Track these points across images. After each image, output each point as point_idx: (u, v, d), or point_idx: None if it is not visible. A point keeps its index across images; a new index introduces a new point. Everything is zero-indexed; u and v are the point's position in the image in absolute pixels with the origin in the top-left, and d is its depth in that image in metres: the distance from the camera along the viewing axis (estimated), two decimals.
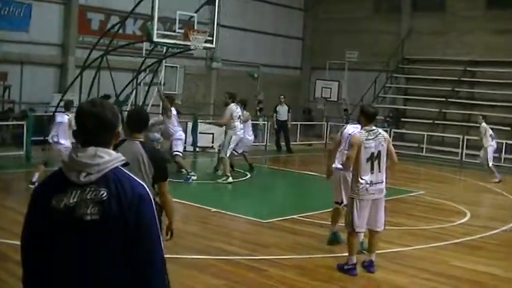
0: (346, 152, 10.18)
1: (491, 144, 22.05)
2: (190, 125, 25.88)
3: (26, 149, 21.46)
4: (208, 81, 33.87)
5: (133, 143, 6.85)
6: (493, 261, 11.06)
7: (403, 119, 34.03)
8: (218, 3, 22.48)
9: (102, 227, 3.45)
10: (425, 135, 30.11)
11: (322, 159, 20.67)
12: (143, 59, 24.76)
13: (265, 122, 29.49)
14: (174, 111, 19.01)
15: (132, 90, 25.18)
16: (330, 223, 11.72)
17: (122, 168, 3.63)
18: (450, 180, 22.91)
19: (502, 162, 26.47)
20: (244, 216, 13.87)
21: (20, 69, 26.63)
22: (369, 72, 34.90)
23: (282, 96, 28.08)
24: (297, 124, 31.76)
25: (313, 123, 35.72)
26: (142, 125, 7.21)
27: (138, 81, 25.40)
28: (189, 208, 14.50)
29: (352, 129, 10.49)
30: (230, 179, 18.39)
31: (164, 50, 24.34)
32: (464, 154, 28.05)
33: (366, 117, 9.75)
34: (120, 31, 26.18)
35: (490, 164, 21.97)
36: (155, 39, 20.04)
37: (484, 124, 22.25)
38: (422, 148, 29.86)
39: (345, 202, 10.73)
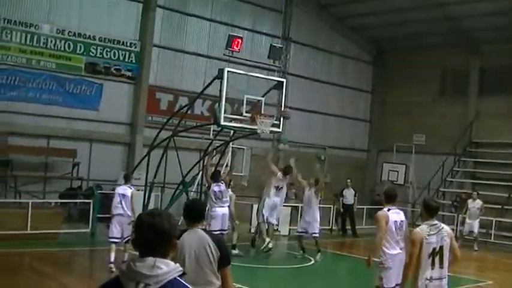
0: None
1: None
2: (255, 207, 25.84)
3: (91, 226, 21.71)
4: (274, 162, 33.81)
5: (196, 231, 7.05)
6: None
7: None
8: (286, 87, 22.60)
9: None
10: (494, 221, 29.54)
11: None
12: (211, 140, 25.01)
13: (331, 206, 29.32)
14: (215, 187, 19.35)
15: (199, 172, 25.34)
16: None
17: (180, 279, 3.66)
18: None
19: None
20: None
21: (89, 147, 27.15)
22: (435, 156, 34.68)
23: (349, 180, 27.96)
24: (363, 208, 31.45)
25: (380, 207, 35.20)
26: (197, 216, 7.32)
27: (205, 163, 25.55)
28: None
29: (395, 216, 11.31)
30: (270, 245, 19.60)
31: (231, 132, 24.55)
32: None
33: (428, 211, 9.58)
34: (189, 112, 26.52)
35: None
36: (222, 122, 20.21)
37: None
38: (491, 234, 29.26)
39: None
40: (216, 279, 6.92)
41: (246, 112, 21.51)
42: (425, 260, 9.26)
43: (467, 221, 26.61)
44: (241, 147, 28.39)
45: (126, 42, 28.22)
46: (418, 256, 9.28)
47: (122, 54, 28.14)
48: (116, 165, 27.79)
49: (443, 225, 9.59)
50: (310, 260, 20.16)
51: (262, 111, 21.65)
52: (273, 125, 21.26)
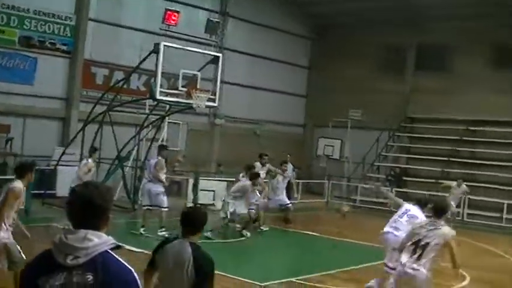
0: None
1: None
2: (191, 181, 25.85)
3: (25, 203, 21.42)
4: (211, 137, 33.89)
5: (183, 242, 6.47)
6: None
7: (405, 178, 33.96)
8: (222, 62, 22.60)
9: None
10: (427, 194, 30.01)
11: (323, 219, 20.66)
12: (146, 114, 24.88)
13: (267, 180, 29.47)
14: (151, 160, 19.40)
15: (134, 146, 25.24)
16: None
17: (111, 252, 3.62)
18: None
19: (503, 222, 26.41)
20: (242, 279, 13.73)
21: (23, 122, 26.73)
22: (371, 131, 34.96)
23: (288, 155, 27.99)
24: (299, 182, 31.69)
25: (315, 182, 35.51)
26: (197, 227, 6.69)
27: (141, 137, 25.47)
28: None
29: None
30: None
31: (167, 107, 24.45)
32: (465, 214, 28.01)
33: (434, 211, 10.23)
34: (125, 86, 26.33)
35: None
36: (158, 97, 20.15)
37: None
38: None
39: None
40: None
41: (182, 87, 21.50)
42: (407, 245, 9.92)
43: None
44: (177, 122, 28.30)
45: (62, 16, 27.75)
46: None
47: (57, 28, 27.66)
48: (51, 141, 27.39)
49: (443, 228, 9.89)
50: (247, 234, 20.28)
51: (198, 86, 21.66)
52: (209, 100, 21.26)
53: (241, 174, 20.37)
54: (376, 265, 16.54)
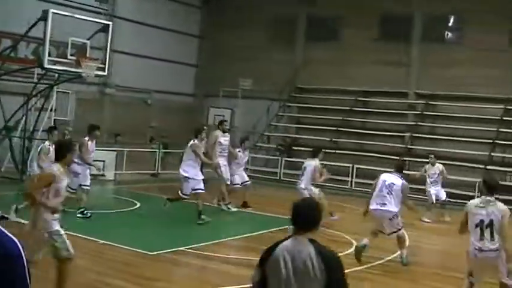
0: None
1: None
2: None
3: None
4: (101, 107, 33.47)
5: (300, 240, 5.43)
6: None
7: (294, 148, 34.41)
8: (112, 30, 22.38)
9: None
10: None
11: (216, 188, 20.83)
12: (34, 83, 24.41)
13: (156, 150, 29.52)
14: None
15: (23, 116, 24.76)
16: None
17: None
18: (340, 209, 22.78)
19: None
20: (133, 248, 13.75)
21: None
22: (262, 101, 35.17)
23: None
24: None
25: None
26: (314, 222, 5.61)
27: (29, 107, 24.99)
28: (77, 240, 14.28)
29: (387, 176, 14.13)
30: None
31: (56, 76, 24.06)
32: (354, 182, 28.68)
33: (486, 187, 10.01)
34: (12, 54, 25.73)
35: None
36: (46, 65, 19.81)
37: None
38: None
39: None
40: None
41: (71, 55, 21.20)
42: (473, 229, 9.76)
43: (431, 190, 22.43)
44: (67, 91, 27.84)
45: None
46: (465, 225, 9.89)
47: None
48: None
49: (498, 203, 9.83)
50: (136, 204, 20.30)
51: (88, 55, 21.42)
52: (99, 69, 21.05)
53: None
54: (267, 233, 16.94)
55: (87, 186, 17.80)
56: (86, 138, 17.99)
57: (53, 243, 9.38)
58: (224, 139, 20.78)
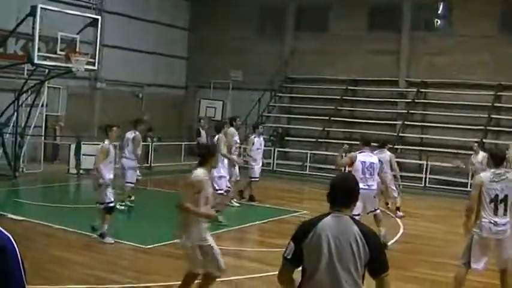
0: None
1: None
2: (73, 146, 25.60)
3: None
4: (92, 101, 33.40)
5: (342, 218, 5.22)
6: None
7: (287, 138, 34.46)
8: (101, 25, 22.35)
9: None
10: (309, 154, 30.65)
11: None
12: (25, 79, 24.37)
13: (149, 143, 29.50)
14: None
15: (14, 112, 24.72)
16: None
17: None
18: None
19: None
20: (126, 242, 13.78)
21: None
22: (253, 92, 35.15)
23: None
24: (181, 144, 31.81)
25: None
26: (353, 198, 5.43)
27: (20, 103, 24.95)
28: (71, 234, 14.34)
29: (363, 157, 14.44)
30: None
31: (46, 71, 24.03)
32: (347, 171, 28.64)
33: (493, 160, 9.99)
34: (1, 50, 25.67)
35: None
36: (36, 61, 19.78)
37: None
38: (306, 166, 30.36)
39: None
40: None
41: (61, 50, 21.18)
42: (487, 204, 9.67)
43: None
44: (58, 86, 27.81)
45: None
46: (479, 199, 9.73)
47: None
48: None
49: (508, 174, 9.80)
50: (130, 197, 20.28)
51: (78, 49, 21.40)
52: (88, 63, 21.03)
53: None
54: (262, 224, 17.02)
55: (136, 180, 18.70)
56: (136, 133, 18.55)
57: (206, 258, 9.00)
58: (237, 137, 20.37)
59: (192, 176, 8.91)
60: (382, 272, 5.18)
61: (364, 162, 14.36)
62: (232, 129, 19.70)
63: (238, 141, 20.22)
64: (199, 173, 8.96)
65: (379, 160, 16.16)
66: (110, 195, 13.91)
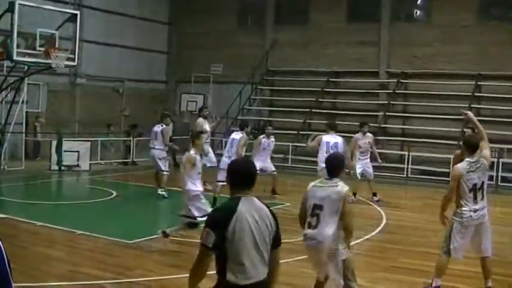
0: None
1: None
2: (54, 143, 25.50)
3: None
4: (72, 97, 33.25)
5: (252, 199, 5.50)
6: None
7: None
8: (80, 20, 22.22)
9: None
10: (291, 146, 30.65)
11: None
12: (4, 76, 24.20)
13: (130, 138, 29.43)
14: None
15: None
16: None
17: None
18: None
19: None
20: (110, 238, 13.72)
21: None
22: (233, 85, 35.10)
23: None
24: None
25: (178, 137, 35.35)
26: (255, 180, 5.69)
27: (0, 100, 24.81)
28: (54, 231, 14.28)
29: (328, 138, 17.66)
30: None
31: (26, 68, 23.87)
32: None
33: (468, 148, 10.10)
34: None
35: None
36: (15, 57, 19.65)
37: None
38: (288, 159, 30.39)
39: None
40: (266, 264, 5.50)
41: (40, 46, 21.05)
42: (467, 194, 9.80)
43: None
44: (37, 82, 27.65)
45: None
46: (457, 190, 9.85)
47: None
48: None
49: (482, 160, 9.90)
50: (112, 193, 20.25)
51: (57, 45, 21.27)
52: (68, 59, 20.91)
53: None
54: None
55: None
56: (164, 126, 20.75)
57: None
58: (207, 125, 21.35)
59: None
60: (280, 244, 5.58)
61: (329, 142, 17.58)
62: (200, 120, 21.25)
63: (209, 129, 21.43)
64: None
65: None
66: (195, 209, 13.01)
